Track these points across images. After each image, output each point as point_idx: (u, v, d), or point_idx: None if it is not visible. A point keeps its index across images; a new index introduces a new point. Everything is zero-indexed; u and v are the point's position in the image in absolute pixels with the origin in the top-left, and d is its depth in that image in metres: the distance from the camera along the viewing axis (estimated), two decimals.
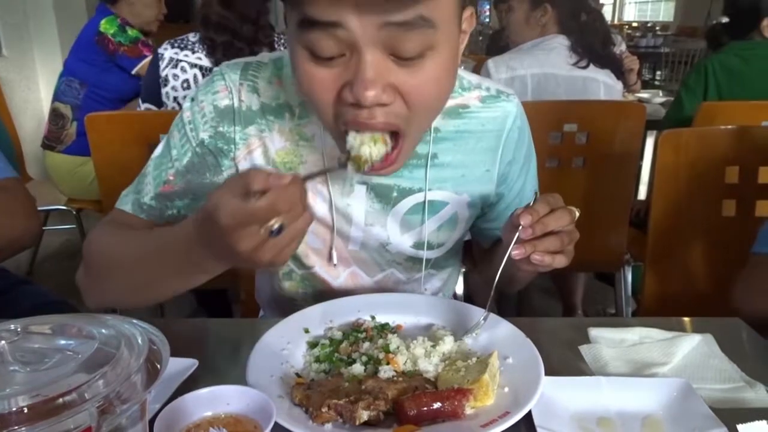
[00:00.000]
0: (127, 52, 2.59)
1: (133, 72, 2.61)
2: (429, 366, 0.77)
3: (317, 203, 0.92)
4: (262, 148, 0.90)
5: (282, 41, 2.06)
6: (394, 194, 0.92)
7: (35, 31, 3.89)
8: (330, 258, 0.97)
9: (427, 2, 0.63)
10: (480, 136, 0.92)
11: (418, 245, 0.97)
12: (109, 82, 2.62)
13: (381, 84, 0.65)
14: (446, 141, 0.90)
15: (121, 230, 0.89)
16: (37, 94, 3.92)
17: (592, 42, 1.99)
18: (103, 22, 2.57)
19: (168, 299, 0.82)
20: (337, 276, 1.00)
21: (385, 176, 0.85)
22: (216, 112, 0.88)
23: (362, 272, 1.00)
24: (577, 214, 0.76)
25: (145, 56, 2.58)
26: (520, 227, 0.73)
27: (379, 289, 1.01)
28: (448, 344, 0.80)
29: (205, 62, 2.01)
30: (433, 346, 0.80)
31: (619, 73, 2.11)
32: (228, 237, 0.59)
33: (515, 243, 0.74)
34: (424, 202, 0.92)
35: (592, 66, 2.06)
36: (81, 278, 0.89)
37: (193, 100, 0.90)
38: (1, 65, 3.61)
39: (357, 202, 0.92)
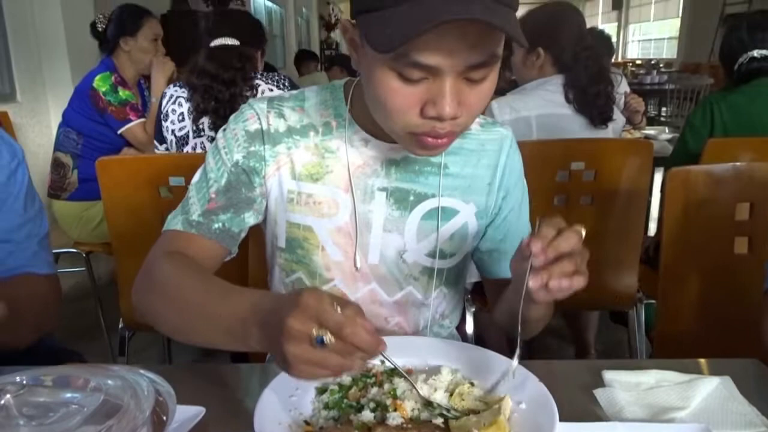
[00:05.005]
0: (114, 113, 2.62)
1: (119, 132, 2.64)
2: (438, 397, 0.77)
3: (339, 211, 1.00)
4: (289, 164, 0.99)
5: (270, 80, 2.10)
6: (411, 198, 1.00)
7: (49, 76, 3.96)
8: (354, 264, 1.01)
9: (498, 43, 0.78)
10: (481, 154, 1.04)
11: (432, 254, 1.03)
12: (103, 134, 2.65)
13: (456, 102, 0.79)
14: (454, 155, 1.02)
15: (182, 268, 0.89)
16: (50, 139, 3.95)
17: (580, 80, 1.97)
18: (97, 78, 2.61)
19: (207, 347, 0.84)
20: (356, 291, 1.03)
21: (404, 181, 1.00)
22: (247, 135, 0.99)
23: (382, 290, 1.04)
24: (583, 232, 0.76)
25: (130, 120, 2.63)
26: (532, 255, 0.74)
27: (398, 310, 1.05)
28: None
29: (186, 106, 2.07)
30: (434, 378, 0.80)
31: (605, 115, 2.05)
32: (282, 336, 0.63)
33: (530, 273, 0.74)
34: (438, 208, 1.01)
35: None
36: (136, 297, 0.91)
37: (224, 130, 1.01)
38: (15, 110, 3.65)
39: (377, 208, 1.00)
